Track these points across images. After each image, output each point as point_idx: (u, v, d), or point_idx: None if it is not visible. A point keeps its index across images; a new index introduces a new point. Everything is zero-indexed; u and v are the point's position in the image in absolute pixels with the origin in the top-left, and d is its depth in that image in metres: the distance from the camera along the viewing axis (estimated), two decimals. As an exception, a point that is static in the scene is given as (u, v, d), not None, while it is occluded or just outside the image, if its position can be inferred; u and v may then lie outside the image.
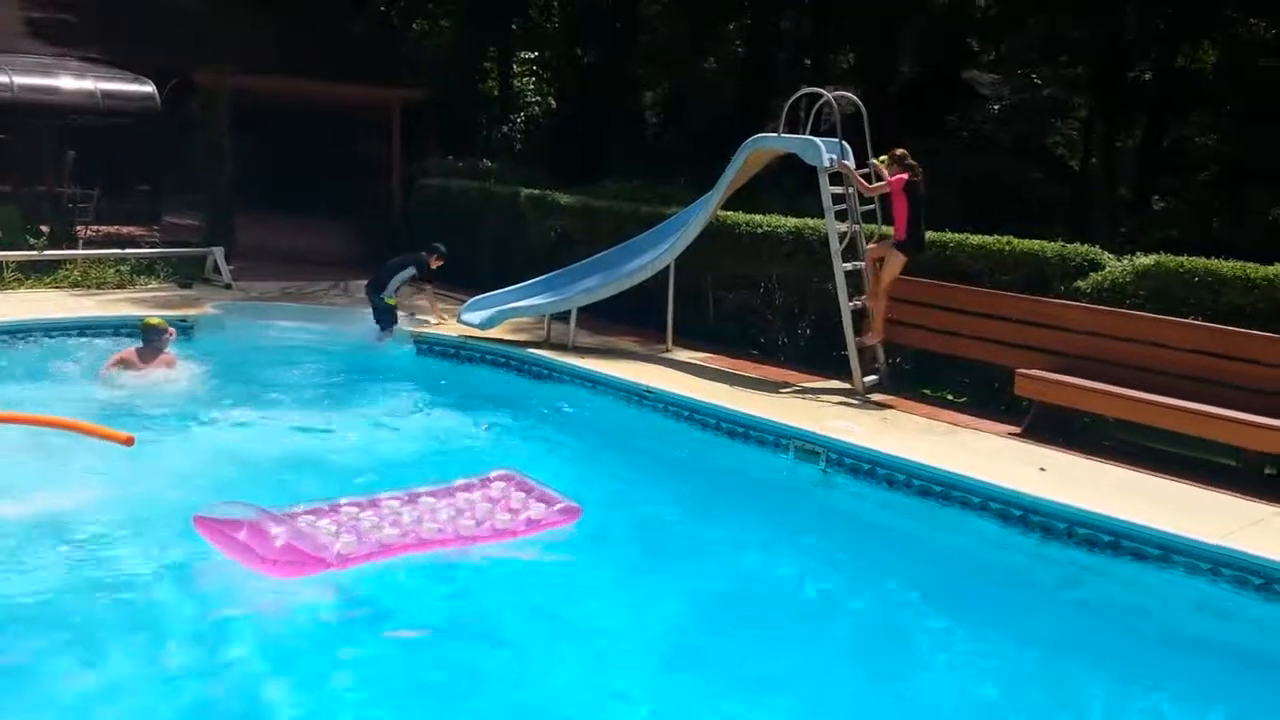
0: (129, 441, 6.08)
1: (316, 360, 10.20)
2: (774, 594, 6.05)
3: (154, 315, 9.61)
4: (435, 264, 11.42)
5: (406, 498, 6.27)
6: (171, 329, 9.27)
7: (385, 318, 11.07)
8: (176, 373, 9.07)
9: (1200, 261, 8.25)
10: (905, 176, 9.10)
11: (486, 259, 13.92)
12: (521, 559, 5.92)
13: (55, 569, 5.50)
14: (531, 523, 6.17)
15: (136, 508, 6.24)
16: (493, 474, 6.71)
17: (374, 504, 6.10)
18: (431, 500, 6.26)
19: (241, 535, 5.54)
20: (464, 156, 17.52)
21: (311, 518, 5.83)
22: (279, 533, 5.53)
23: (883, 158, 9.46)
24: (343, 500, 6.09)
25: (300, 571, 5.32)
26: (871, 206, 9.72)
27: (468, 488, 6.51)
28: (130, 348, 9.12)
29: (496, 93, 26.37)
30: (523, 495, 6.42)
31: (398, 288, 11.15)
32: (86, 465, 6.57)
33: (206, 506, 5.84)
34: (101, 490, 6.44)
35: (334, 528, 5.72)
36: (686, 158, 23.07)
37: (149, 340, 9.01)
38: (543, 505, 6.33)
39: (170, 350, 9.14)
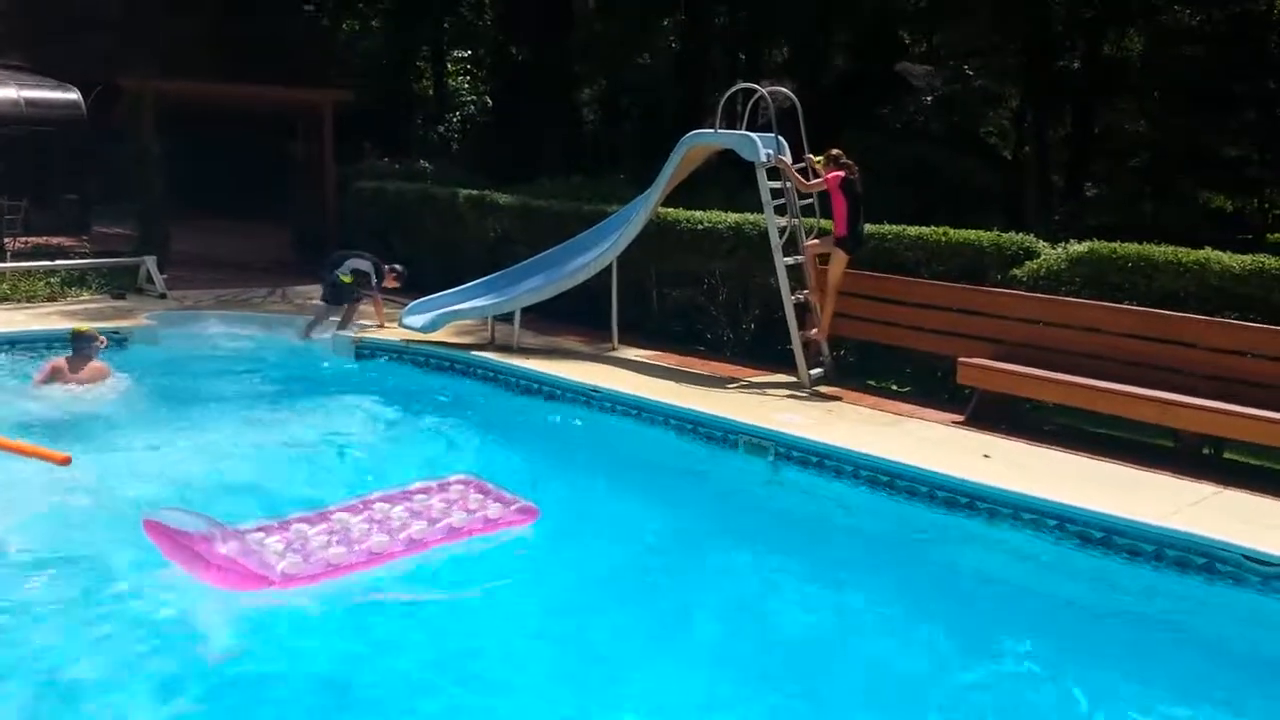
0: (65, 461, 5.94)
1: (255, 369, 10.03)
2: (725, 587, 6.05)
3: (83, 323, 9.38)
4: (391, 283, 11.26)
5: (360, 505, 6.16)
6: (102, 337, 9.03)
7: (340, 294, 11.03)
8: (111, 383, 8.85)
9: (1133, 247, 8.41)
10: (841, 174, 9.16)
11: (427, 261, 13.79)
12: (476, 561, 5.83)
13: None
14: (489, 521, 6.10)
15: (74, 526, 6.07)
16: (451, 478, 6.65)
17: (325, 518, 5.98)
18: (386, 505, 6.15)
19: (187, 542, 5.42)
20: (400, 157, 17.36)
21: (260, 535, 5.72)
22: (226, 545, 5.41)
23: (818, 157, 9.52)
24: (292, 517, 5.96)
25: (243, 586, 5.21)
26: (810, 201, 9.78)
27: (425, 490, 6.43)
28: (60, 358, 8.87)
29: (431, 92, 26.19)
30: (480, 497, 6.36)
31: (352, 269, 11.04)
32: (19, 483, 6.38)
33: (157, 511, 5.71)
34: (36, 508, 6.26)
35: (281, 546, 5.60)
36: (625, 153, 23.12)
37: (78, 349, 8.78)
38: (499, 505, 6.28)
39: (102, 360, 8.92)
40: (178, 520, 5.59)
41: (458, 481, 6.60)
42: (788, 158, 9.52)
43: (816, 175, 9.48)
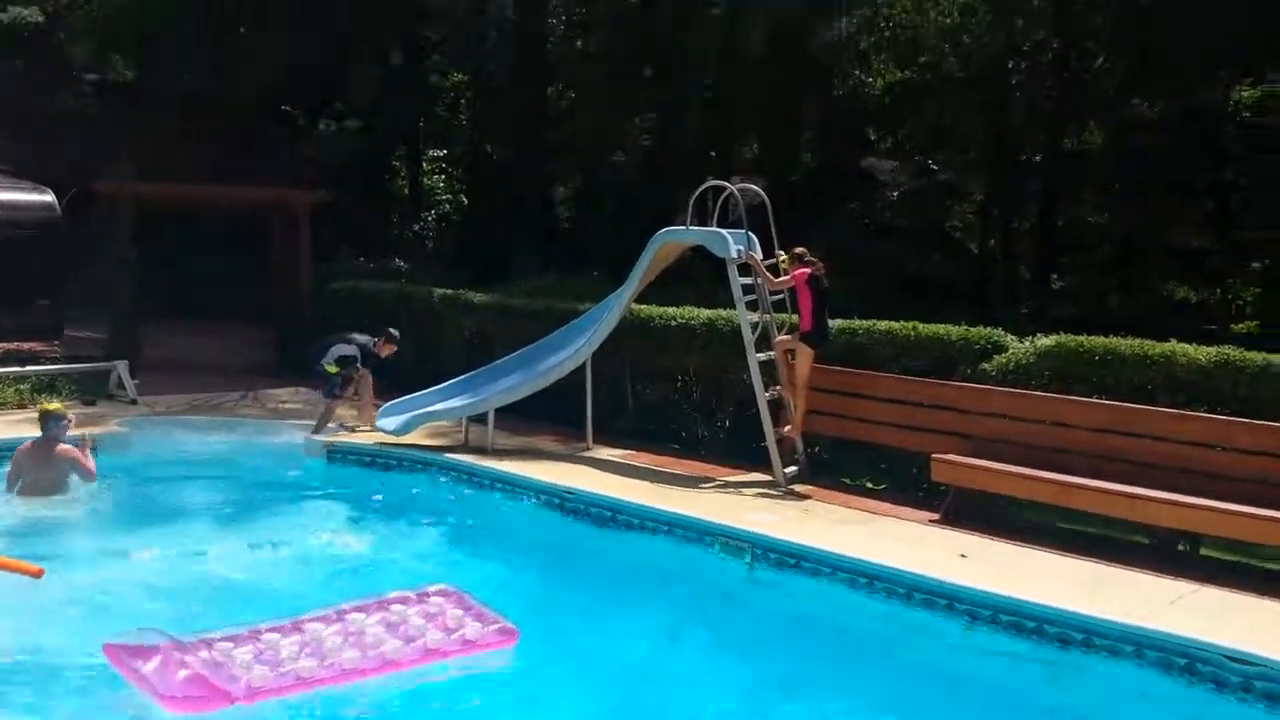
0: (38, 574, 5.87)
1: (227, 475, 9.91)
2: (708, 702, 5.93)
3: (51, 403, 9.21)
4: (386, 350, 11.32)
5: (334, 616, 5.98)
6: (70, 416, 8.84)
7: (330, 384, 11.08)
8: (86, 464, 8.59)
9: (1099, 341, 8.50)
10: (808, 270, 9.29)
11: (404, 360, 13.77)
12: (452, 685, 5.66)
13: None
14: (467, 643, 5.89)
15: (40, 639, 5.95)
16: (430, 588, 6.43)
17: (297, 628, 5.81)
18: (361, 616, 5.97)
19: (147, 666, 5.28)
20: (376, 256, 17.44)
21: (229, 644, 5.55)
22: (188, 663, 5.27)
23: (783, 256, 9.66)
24: (263, 625, 5.79)
25: (203, 707, 5.06)
26: (781, 296, 9.87)
27: (403, 600, 6.23)
28: (27, 442, 8.69)
29: (406, 191, 26.43)
30: (460, 613, 6.13)
31: (336, 357, 11.06)
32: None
33: (118, 634, 5.56)
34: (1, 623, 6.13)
35: (249, 656, 5.46)
36: (599, 249, 23.31)
37: (46, 428, 8.55)
38: (479, 625, 6.05)
39: (69, 443, 8.64)
40: (139, 639, 5.45)
41: (437, 593, 6.38)
42: (758, 254, 9.64)
43: (785, 273, 9.60)
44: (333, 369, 11.04)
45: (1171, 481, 7.44)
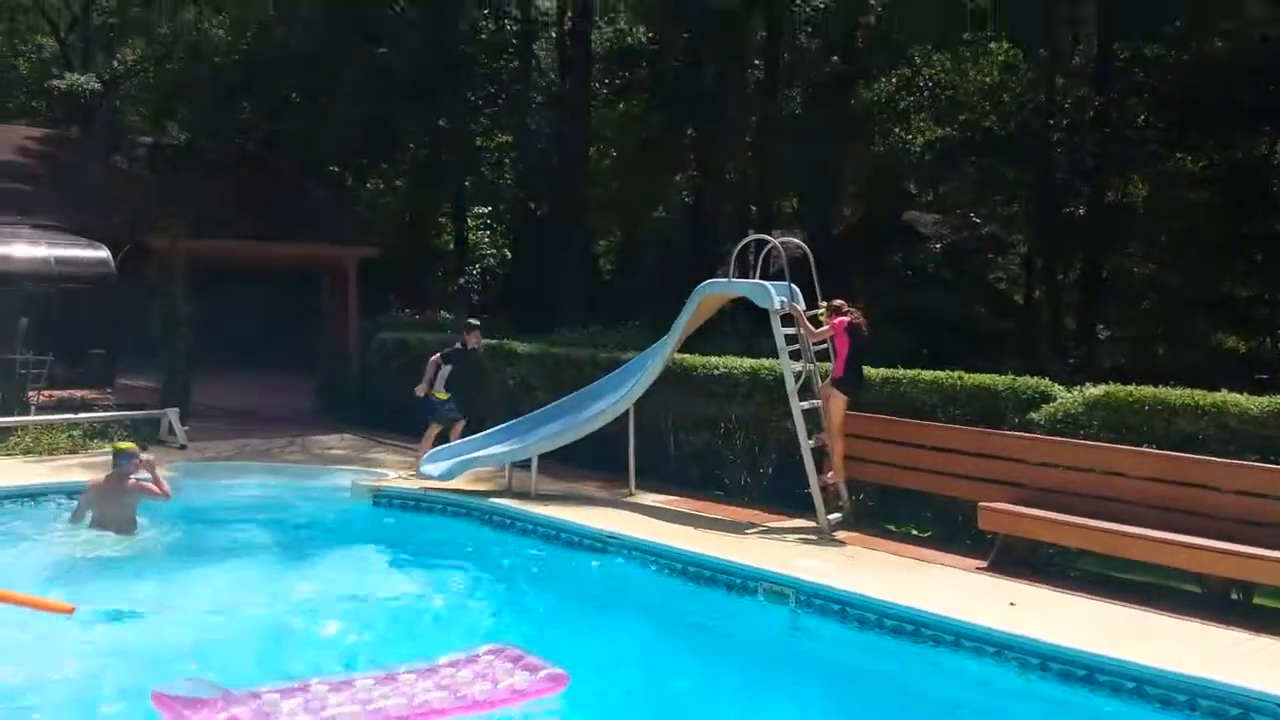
0: (69, 611, 5.90)
1: (274, 520, 9.99)
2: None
3: (124, 441, 9.62)
4: (472, 339, 11.78)
5: (385, 676, 5.81)
6: (143, 455, 9.06)
7: (438, 410, 11.44)
8: (156, 490, 8.90)
9: (1149, 390, 8.41)
10: (846, 320, 9.36)
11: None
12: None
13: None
14: (515, 692, 5.72)
15: (90, 684, 5.97)
16: (482, 649, 6.20)
17: (348, 684, 5.66)
18: (412, 678, 5.77)
19: (193, 717, 5.18)
20: (421, 308, 17.69)
21: (277, 697, 5.45)
22: (234, 715, 5.16)
23: (822, 310, 9.73)
24: (314, 680, 5.67)
25: None
26: (825, 346, 9.89)
27: (454, 664, 6.01)
28: (98, 478, 9.03)
29: (452, 246, 26.86)
30: (509, 665, 5.97)
31: (443, 383, 11.48)
32: (36, 637, 6.33)
33: (168, 683, 5.53)
34: (53, 665, 6.20)
35: (298, 709, 5.31)
36: (641, 302, 23.50)
37: (117, 465, 8.83)
38: (527, 674, 5.83)
39: (141, 475, 8.91)
40: (189, 689, 5.41)
41: (487, 652, 6.18)
42: (801, 305, 9.69)
43: (823, 324, 9.67)
44: (443, 395, 11.37)
45: (1224, 530, 7.32)
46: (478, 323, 12.07)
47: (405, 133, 25.12)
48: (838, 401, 9.33)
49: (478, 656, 6.10)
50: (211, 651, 6.61)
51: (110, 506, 8.78)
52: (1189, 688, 5.77)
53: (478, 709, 5.54)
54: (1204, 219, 19.09)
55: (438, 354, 11.64)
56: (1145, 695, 5.88)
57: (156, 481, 8.93)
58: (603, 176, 26.64)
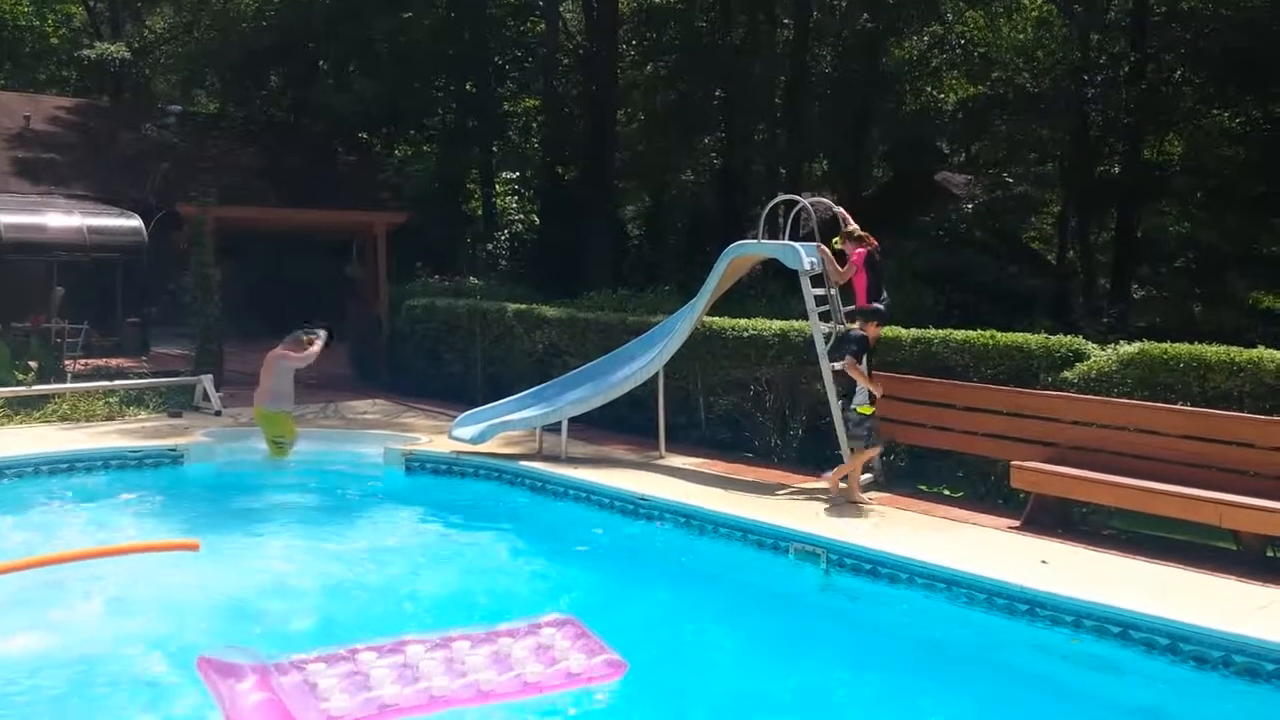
0: (195, 547, 6.71)
1: (310, 484, 10.14)
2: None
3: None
4: (873, 332, 8.95)
5: (438, 642, 5.62)
6: (308, 337, 10.88)
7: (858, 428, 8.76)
8: (301, 359, 10.64)
9: (1184, 347, 8.32)
10: (864, 251, 9.42)
11: (476, 374, 14.00)
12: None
13: (45, 712, 5.35)
14: (570, 676, 5.44)
15: (132, 646, 6.07)
16: (544, 620, 5.98)
17: (399, 649, 5.54)
18: (466, 645, 5.58)
19: (232, 685, 5.09)
20: (450, 274, 17.72)
21: (322, 665, 5.38)
22: (272, 687, 5.08)
23: (838, 239, 9.68)
24: (360, 645, 5.56)
25: None
26: (853, 307, 9.80)
27: (512, 633, 5.78)
28: (278, 347, 10.71)
29: (480, 212, 26.85)
30: (568, 644, 5.69)
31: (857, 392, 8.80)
32: (76, 602, 6.44)
33: (214, 649, 5.48)
34: (96, 628, 6.31)
35: (338, 679, 5.23)
36: (670, 265, 23.45)
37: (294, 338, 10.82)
38: (584, 657, 5.58)
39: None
40: (233, 656, 5.35)
41: (550, 623, 5.93)
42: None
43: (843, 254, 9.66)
44: (867, 410, 8.74)
45: (1259, 488, 7.25)
46: (881, 308, 9.22)
47: (432, 98, 25.09)
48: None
49: (539, 628, 5.89)
50: (249, 615, 6.69)
51: (264, 378, 10.47)
52: (1224, 644, 5.75)
53: (527, 693, 5.30)
54: (1241, 176, 18.77)
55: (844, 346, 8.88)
56: (1179, 652, 5.87)
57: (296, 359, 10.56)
58: (630, 139, 26.49)
